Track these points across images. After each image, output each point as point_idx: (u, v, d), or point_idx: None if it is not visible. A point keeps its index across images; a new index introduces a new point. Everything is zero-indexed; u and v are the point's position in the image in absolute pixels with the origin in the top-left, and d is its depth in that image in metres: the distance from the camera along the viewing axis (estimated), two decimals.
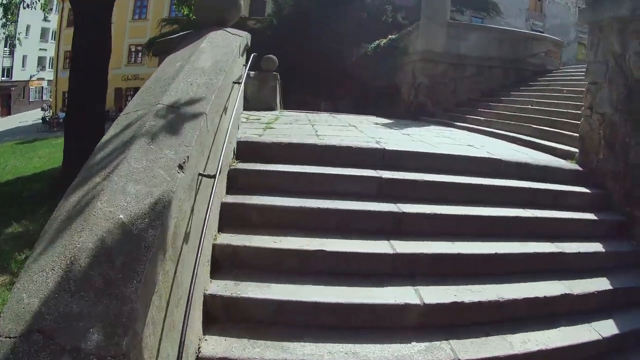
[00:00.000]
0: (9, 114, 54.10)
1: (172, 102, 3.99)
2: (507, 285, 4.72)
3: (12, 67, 53.74)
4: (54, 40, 49.29)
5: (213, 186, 3.86)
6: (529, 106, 11.73)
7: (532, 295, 4.61)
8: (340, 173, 5.70)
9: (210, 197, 3.85)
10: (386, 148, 6.33)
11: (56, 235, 2.63)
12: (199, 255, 3.31)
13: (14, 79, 54.24)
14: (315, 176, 5.65)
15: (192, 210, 3.64)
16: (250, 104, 14.83)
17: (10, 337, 2.12)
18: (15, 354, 2.06)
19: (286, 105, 19.05)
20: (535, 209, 5.89)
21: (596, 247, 5.67)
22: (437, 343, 3.99)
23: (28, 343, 2.10)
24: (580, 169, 7.02)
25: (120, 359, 2.14)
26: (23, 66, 55.38)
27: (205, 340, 3.82)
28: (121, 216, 2.75)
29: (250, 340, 3.81)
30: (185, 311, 2.87)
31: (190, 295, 2.97)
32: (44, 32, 56.23)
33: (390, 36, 19.77)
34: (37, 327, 2.15)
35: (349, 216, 5.16)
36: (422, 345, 3.95)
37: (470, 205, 5.66)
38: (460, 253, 4.92)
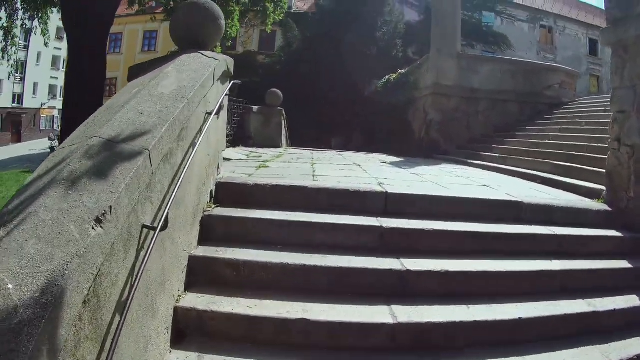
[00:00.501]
0: (19, 140, 53.71)
1: (112, 136, 3.21)
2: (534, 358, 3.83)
3: (22, 93, 53.42)
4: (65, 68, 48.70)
5: (152, 239, 3.00)
6: (547, 141, 11.03)
7: None
8: (333, 222, 4.85)
9: (163, 253, 3.02)
10: (389, 191, 5.46)
11: None
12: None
13: (24, 106, 54.07)
14: (303, 226, 4.80)
15: (136, 270, 2.92)
16: (254, 141, 14.30)
17: None
18: None
19: (295, 142, 18.51)
20: (562, 259, 5.03)
21: (634, 301, 4.76)
22: None
23: None
24: (609, 209, 6.16)
25: None
26: (34, 93, 55.04)
27: None
28: (9, 286, 2.06)
29: None
30: None
31: None
32: (55, 60, 55.57)
33: (400, 70, 19.16)
34: None
35: (341, 275, 4.27)
36: None
37: (487, 257, 4.78)
38: (477, 320, 3.97)
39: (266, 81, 22.66)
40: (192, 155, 4.05)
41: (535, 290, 4.60)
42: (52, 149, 47.69)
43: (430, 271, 4.35)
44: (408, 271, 4.30)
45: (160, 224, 3.11)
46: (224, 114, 5.77)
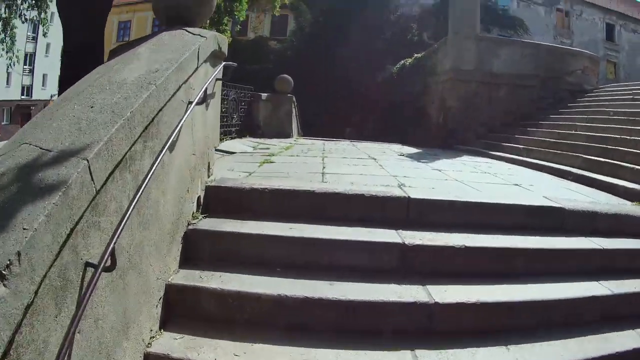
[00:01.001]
0: None
1: (45, 141, 2.41)
2: None
3: (32, 85, 52.71)
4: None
5: (94, 277, 2.19)
6: (574, 132, 10.18)
7: None
8: (344, 238, 3.97)
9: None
10: (411, 197, 4.55)
11: None
12: None
13: (34, 97, 53.45)
14: (308, 243, 3.93)
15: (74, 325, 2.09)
16: (262, 130, 13.53)
17: None
18: None
19: (307, 131, 17.74)
20: (611, 278, 4.18)
21: None
22: None
23: None
24: None
25: None
26: (43, 85, 54.24)
27: None
28: None
29: None
30: None
31: None
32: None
33: (416, 55, 18.25)
34: None
35: (353, 310, 3.40)
36: None
37: (529, 280, 3.93)
38: None
39: (277, 67, 21.91)
40: (169, 157, 3.23)
41: (582, 319, 3.80)
42: None
43: (464, 304, 3.46)
44: (436, 304, 3.40)
45: (104, 262, 2.29)
46: (215, 102, 4.88)
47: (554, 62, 14.57)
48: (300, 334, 3.24)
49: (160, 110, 3.22)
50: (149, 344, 3.08)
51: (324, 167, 6.67)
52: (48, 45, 47.95)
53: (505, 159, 10.12)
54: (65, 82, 12.18)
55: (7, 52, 18.42)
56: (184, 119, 3.55)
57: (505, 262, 4.10)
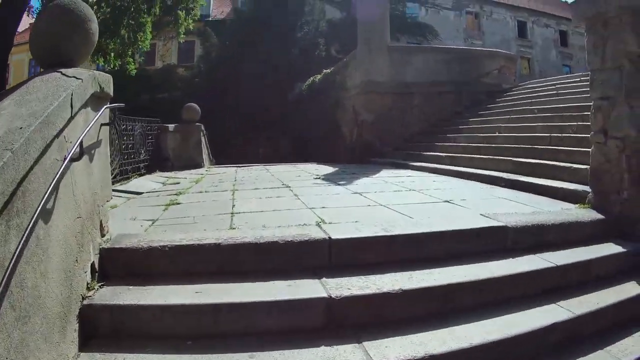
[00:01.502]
0: None
1: None
2: None
3: None
4: None
5: None
6: (498, 134, 10.13)
7: None
8: (259, 300, 3.43)
9: None
10: (332, 237, 4.07)
11: None
12: None
13: None
14: (218, 309, 3.39)
15: None
16: (172, 163, 13.08)
17: None
18: None
19: (221, 156, 17.36)
20: (569, 296, 3.94)
21: None
22: None
23: None
24: (602, 216, 5.19)
25: None
26: None
27: None
28: None
29: None
30: None
31: None
32: None
33: (325, 70, 18.12)
34: None
35: None
36: None
37: (480, 316, 3.55)
38: None
39: (186, 94, 21.46)
40: (45, 230, 2.69)
41: (541, 352, 3.45)
42: None
43: None
44: None
45: None
46: (102, 150, 4.31)
47: (469, 65, 14.87)
48: None
49: (24, 178, 2.66)
50: None
51: (233, 206, 6.13)
52: None
53: (429, 169, 9.99)
54: None
55: None
56: (55, 180, 2.97)
57: (450, 300, 3.71)
